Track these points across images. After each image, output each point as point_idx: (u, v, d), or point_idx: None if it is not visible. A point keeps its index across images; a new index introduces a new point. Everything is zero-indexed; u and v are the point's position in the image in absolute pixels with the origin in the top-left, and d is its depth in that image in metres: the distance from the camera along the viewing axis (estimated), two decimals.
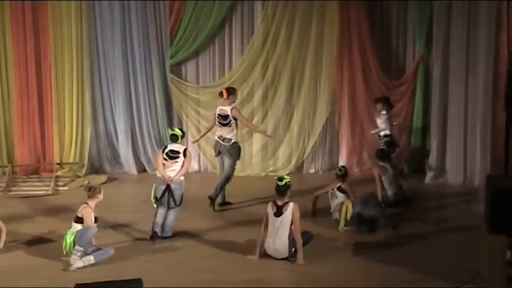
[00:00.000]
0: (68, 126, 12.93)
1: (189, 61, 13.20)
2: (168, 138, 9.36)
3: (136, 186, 12.41)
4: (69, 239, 8.07)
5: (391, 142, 11.51)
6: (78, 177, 12.69)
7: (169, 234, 9.17)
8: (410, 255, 8.48)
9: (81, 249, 8.02)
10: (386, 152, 10.98)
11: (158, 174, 9.18)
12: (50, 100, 12.84)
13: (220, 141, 10.51)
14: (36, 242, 9.03)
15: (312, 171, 13.15)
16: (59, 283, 7.51)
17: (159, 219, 9.10)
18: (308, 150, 13.10)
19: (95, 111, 13.01)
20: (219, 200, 10.60)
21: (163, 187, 9.06)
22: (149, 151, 13.16)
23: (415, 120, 13.01)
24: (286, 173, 12.37)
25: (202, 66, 13.23)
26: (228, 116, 10.43)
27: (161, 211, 9.13)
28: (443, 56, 12.23)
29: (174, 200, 9.04)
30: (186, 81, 13.20)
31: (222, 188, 10.58)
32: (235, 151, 10.52)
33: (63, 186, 12.19)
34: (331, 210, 9.81)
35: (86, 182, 12.02)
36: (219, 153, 10.59)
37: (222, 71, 13.15)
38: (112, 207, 10.11)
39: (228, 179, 10.55)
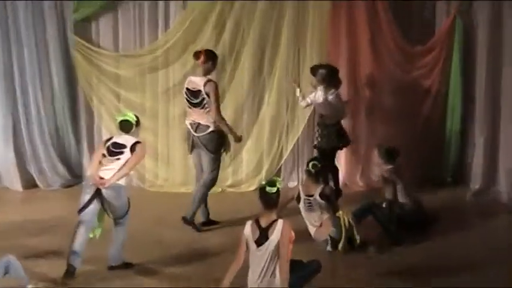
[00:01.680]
0: None
1: (103, 16, 10.60)
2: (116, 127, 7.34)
3: (21, 208, 10.13)
4: None
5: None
6: None
7: (119, 262, 7.56)
8: None
9: None
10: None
11: (89, 173, 7.74)
12: None
13: (193, 131, 8.48)
14: None
15: (293, 184, 10.43)
16: None
17: (78, 245, 7.22)
18: (286, 154, 10.65)
19: None
20: (201, 218, 8.75)
21: (89, 195, 7.22)
22: (41, 156, 10.78)
23: (450, 106, 10.74)
24: (252, 188, 10.16)
25: (123, 24, 10.64)
26: (200, 91, 8.36)
27: (81, 233, 7.25)
28: (493, 9, 9.80)
29: (111, 212, 7.28)
30: (99, 47, 10.69)
31: (201, 200, 8.58)
32: (214, 143, 8.52)
33: None
34: (313, 225, 8.18)
35: None
36: (192, 147, 8.65)
37: (154, 32, 10.59)
38: None
39: (208, 184, 8.55)
